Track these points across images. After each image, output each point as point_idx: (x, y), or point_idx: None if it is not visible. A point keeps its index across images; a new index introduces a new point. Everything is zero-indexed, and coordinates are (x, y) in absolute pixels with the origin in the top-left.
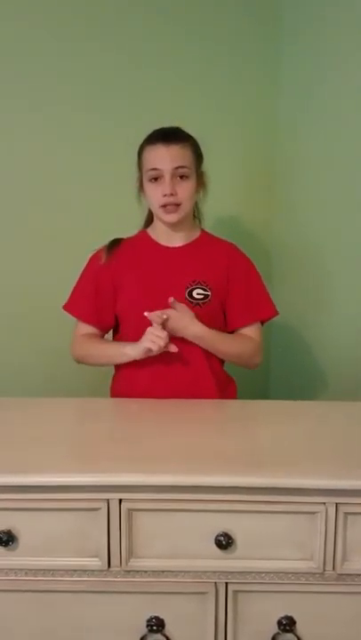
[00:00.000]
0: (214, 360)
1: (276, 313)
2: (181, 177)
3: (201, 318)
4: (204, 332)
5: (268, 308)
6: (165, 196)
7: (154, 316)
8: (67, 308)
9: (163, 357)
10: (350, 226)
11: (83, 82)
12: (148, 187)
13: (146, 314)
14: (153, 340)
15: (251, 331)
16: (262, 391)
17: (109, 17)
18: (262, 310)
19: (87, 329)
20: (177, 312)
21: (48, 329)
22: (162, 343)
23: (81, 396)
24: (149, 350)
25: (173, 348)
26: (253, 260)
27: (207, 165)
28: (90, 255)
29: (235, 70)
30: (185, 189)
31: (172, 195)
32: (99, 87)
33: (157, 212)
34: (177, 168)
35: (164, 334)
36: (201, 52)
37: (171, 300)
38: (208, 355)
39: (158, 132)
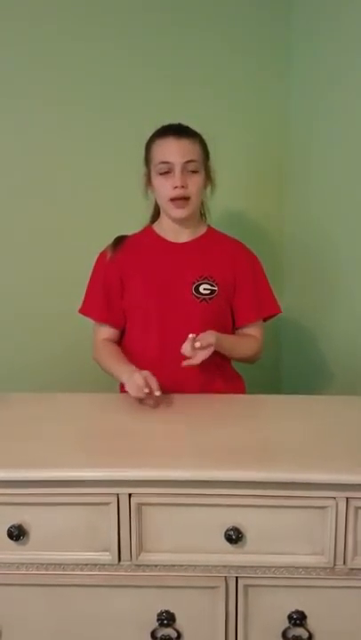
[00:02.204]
0: (220, 356)
1: (280, 311)
2: (191, 171)
3: (208, 313)
4: (223, 343)
5: (273, 306)
6: (176, 188)
7: (187, 347)
8: (82, 311)
9: (168, 353)
10: None
11: (85, 82)
12: (158, 180)
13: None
14: (131, 388)
15: (255, 328)
16: (274, 386)
17: (113, 15)
18: (268, 308)
19: (105, 332)
20: (204, 334)
21: (59, 327)
22: (140, 395)
23: (90, 392)
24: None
25: (158, 393)
26: (263, 254)
27: (218, 161)
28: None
29: (245, 64)
30: (195, 183)
31: (182, 187)
32: (102, 85)
33: (166, 206)
34: (188, 162)
35: (142, 385)
36: (209, 47)
37: (191, 335)
38: (214, 353)
39: (168, 127)
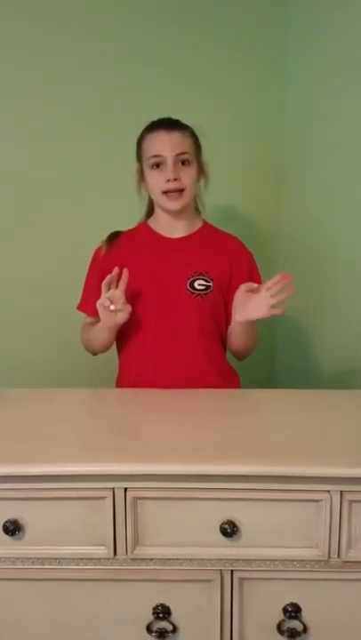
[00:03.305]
0: (216, 351)
1: None
2: (183, 162)
3: (203, 309)
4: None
5: None
6: (168, 181)
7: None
8: (80, 308)
9: (164, 349)
10: (358, 218)
11: (83, 79)
12: (150, 174)
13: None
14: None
15: None
16: (268, 383)
17: (110, 14)
18: None
19: (92, 319)
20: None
21: (55, 323)
22: (108, 305)
23: (86, 387)
24: (106, 310)
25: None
26: (260, 252)
27: (215, 159)
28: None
29: (243, 63)
30: (188, 175)
31: (175, 180)
32: (102, 85)
33: (160, 199)
34: (179, 154)
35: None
36: (208, 47)
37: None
38: (208, 346)
39: (158, 121)
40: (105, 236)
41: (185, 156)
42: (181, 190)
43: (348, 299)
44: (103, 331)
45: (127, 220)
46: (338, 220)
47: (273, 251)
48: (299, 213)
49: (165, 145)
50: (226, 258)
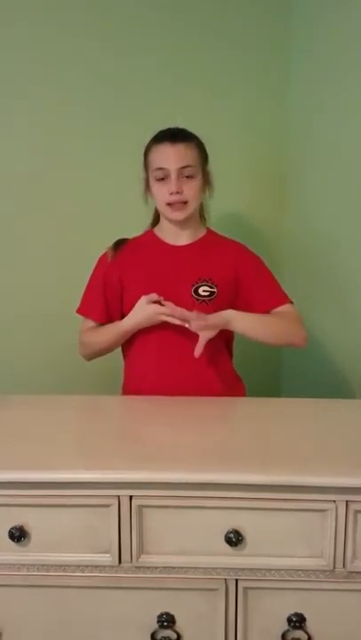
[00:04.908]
0: (221, 359)
1: (291, 301)
2: (187, 176)
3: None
4: (237, 315)
5: (282, 297)
6: (172, 194)
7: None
8: (80, 311)
9: (169, 355)
10: None
11: (84, 83)
12: (155, 186)
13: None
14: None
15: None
16: (273, 390)
17: (111, 16)
18: (279, 299)
19: (93, 323)
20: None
21: (58, 328)
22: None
23: (92, 394)
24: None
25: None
26: (264, 257)
27: (217, 164)
28: (97, 258)
29: (244, 65)
30: (191, 188)
31: (178, 193)
32: (101, 88)
33: (164, 210)
34: (183, 168)
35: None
36: (209, 47)
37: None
38: (213, 354)
39: (164, 132)
40: (110, 241)
41: (189, 170)
42: (185, 202)
43: (353, 302)
44: (123, 335)
45: (132, 224)
46: (340, 222)
47: (276, 255)
48: (301, 217)
49: (170, 158)
50: (229, 262)
